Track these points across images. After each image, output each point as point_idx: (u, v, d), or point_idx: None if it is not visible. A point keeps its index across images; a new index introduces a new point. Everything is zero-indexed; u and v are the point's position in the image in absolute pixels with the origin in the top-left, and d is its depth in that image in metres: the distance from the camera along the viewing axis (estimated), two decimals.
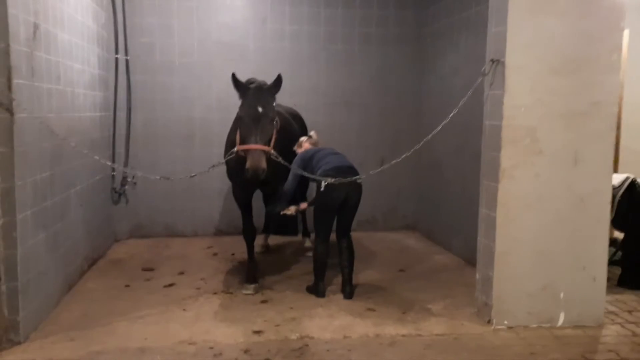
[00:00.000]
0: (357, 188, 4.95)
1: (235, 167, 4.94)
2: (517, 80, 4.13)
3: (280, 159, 4.62)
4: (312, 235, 6.68)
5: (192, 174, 4.90)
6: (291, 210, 5.23)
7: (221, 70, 7.13)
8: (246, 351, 3.90)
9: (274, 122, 4.70)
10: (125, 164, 6.90)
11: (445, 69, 6.73)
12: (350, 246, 5.08)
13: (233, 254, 6.41)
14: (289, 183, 5.09)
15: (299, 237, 6.87)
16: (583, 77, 4.19)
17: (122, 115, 6.90)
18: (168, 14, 7.01)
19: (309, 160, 5.11)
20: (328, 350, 3.92)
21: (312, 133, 5.59)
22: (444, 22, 6.75)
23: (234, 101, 6.98)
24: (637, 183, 5.35)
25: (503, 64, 4.12)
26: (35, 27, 4.18)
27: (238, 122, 4.78)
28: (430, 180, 7.25)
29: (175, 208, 7.27)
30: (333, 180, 4.71)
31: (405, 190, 7.74)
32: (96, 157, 4.91)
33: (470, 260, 6.03)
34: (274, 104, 4.77)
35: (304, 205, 5.31)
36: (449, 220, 6.70)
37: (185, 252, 6.52)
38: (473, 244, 5.92)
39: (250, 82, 4.82)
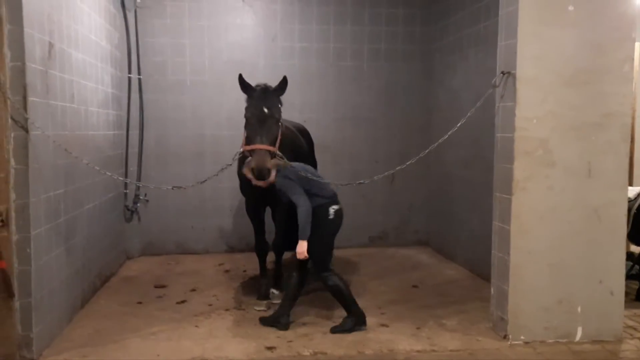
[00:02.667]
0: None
1: (248, 180, 4.97)
2: (528, 92, 4.12)
3: (284, 159, 4.62)
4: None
5: (203, 180, 4.89)
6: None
7: (232, 88, 7.10)
8: None
9: (280, 124, 4.74)
10: (137, 181, 6.94)
11: (455, 84, 6.74)
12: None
13: (245, 271, 6.40)
14: (304, 203, 4.46)
15: None
16: (595, 88, 4.17)
17: (134, 133, 6.97)
18: (180, 33, 7.09)
19: (300, 180, 4.62)
20: None
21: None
22: (453, 37, 6.78)
23: (244, 119, 7.11)
24: None
25: (514, 76, 4.12)
26: (50, 46, 4.25)
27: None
28: (442, 195, 7.22)
29: (187, 225, 7.28)
30: (338, 206, 4.59)
31: (417, 206, 7.71)
32: (109, 174, 4.93)
33: (483, 275, 5.97)
34: (280, 106, 4.81)
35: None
36: (461, 235, 6.65)
37: (196, 268, 6.52)
38: (485, 259, 5.88)
39: (257, 85, 4.86)
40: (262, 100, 4.67)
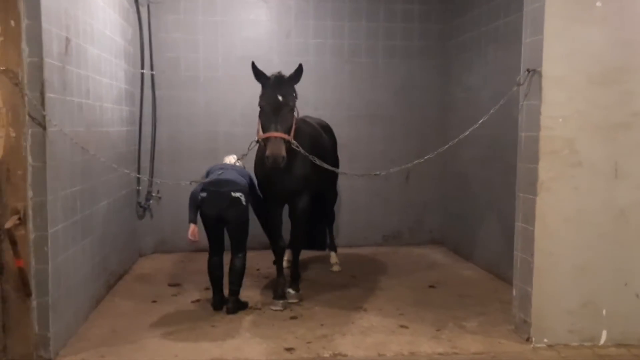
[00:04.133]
0: (232, 203, 4.76)
1: (264, 177, 4.97)
2: (554, 91, 4.03)
3: (300, 149, 4.60)
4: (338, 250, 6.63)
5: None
6: None
7: (245, 85, 7.05)
8: None
9: (294, 112, 4.71)
10: (150, 178, 6.89)
11: (472, 81, 6.64)
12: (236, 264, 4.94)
13: (258, 269, 6.33)
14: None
15: (327, 252, 6.74)
16: (623, 87, 4.08)
17: (147, 129, 6.91)
18: (193, 29, 7.03)
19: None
20: None
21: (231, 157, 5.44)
22: (471, 34, 6.67)
23: (257, 115, 7.04)
24: None
25: (540, 73, 4.03)
26: (67, 41, 4.19)
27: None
28: (457, 194, 7.13)
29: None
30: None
31: (431, 205, 7.63)
32: (127, 171, 4.89)
33: (500, 275, 5.90)
34: (294, 94, 4.79)
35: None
36: (477, 234, 6.56)
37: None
38: (502, 259, 5.82)
39: (272, 73, 4.82)
40: (276, 89, 4.65)
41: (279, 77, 4.73)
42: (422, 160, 4.71)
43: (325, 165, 4.74)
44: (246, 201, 4.81)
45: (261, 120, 4.65)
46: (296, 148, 4.59)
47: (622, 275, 4.19)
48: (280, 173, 4.73)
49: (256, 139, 4.68)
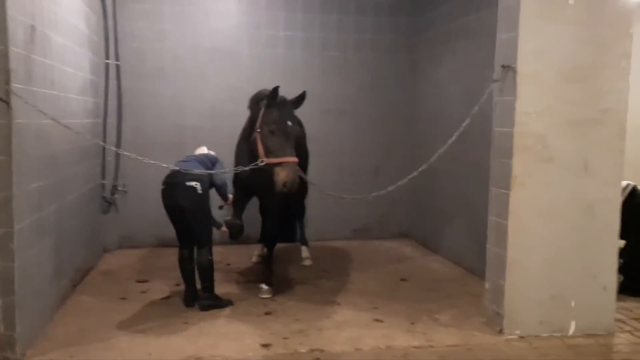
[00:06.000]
0: (187, 192, 4.71)
1: (248, 178, 4.99)
2: (528, 87, 4.09)
3: (304, 176, 4.78)
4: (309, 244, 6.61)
5: (236, 168, 4.92)
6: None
7: (214, 77, 7.01)
8: None
9: None
10: (116, 172, 6.70)
11: (442, 76, 6.70)
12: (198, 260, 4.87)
13: (229, 264, 6.24)
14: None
15: (297, 245, 6.69)
16: (593, 84, 4.18)
17: (112, 121, 6.70)
18: (159, 18, 6.84)
19: None
20: None
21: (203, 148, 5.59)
22: (440, 29, 6.72)
23: (227, 108, 6.94)
24: (638, 190, 5.37)
25: (514, 70, 4.08)
26: (32, 29, 4.00)
27: (255, 133, 4.72)
28: (425, 188, 7.19)
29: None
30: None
31: (400, 198, 7.65)
32: (115, 149, 4.69)
33: (469, 269, 6.00)
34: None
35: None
36: (445, 228, 6.65)
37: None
38: (470, 252, 5.92)
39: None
40: (287, 114, 4.72)
41: (287, 103, 4.81)
42: (416, 173, 4.96)
43: (329, 193, 4.99)
44: (203, 189, 4.72)
45: (269, 143, 4.59)
46: (302, 175, 4.74)
47: (590, 268, 4.32)
48: (259, 174, 4.71)
49: (264, 160, 4.58)
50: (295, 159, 4.54)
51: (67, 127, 4.15)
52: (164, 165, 4.60)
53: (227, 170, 5.09)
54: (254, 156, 4.68)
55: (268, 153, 4.56)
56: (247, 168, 4.62)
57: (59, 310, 4.66)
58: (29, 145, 3.90)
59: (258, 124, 4.70)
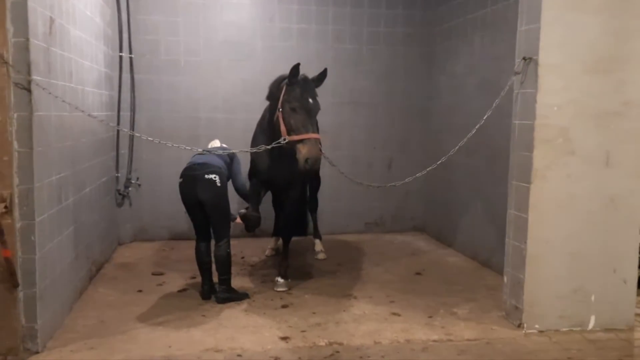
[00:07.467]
0: (206, 185, 4.71)
1: (264, 163, 5.00)
2: (550, 79, 4.05)
3: (326, 156, 4.71)
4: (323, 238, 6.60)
5: (257, 148, 4.85)
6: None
7: (227, 69, 6.99)
8: (276, 358, 3.75)
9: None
10: (129, 165, 6.71)
11: (458, 69, 6.65)
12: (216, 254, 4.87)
13: (243, 257, 6.24)
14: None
15: (309, 238, 6.69)
16: (616, 76, 4.12)
17: (126, 115, 6.70)
18: (173, 11, 6.82)
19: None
20: (361, 358, 3.79)
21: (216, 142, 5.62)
22: (456, 21, 6.67)
23: (240, 100, 6.93)
24: None
25: (536, 62, 4.04)
26: (52, 21, 4.00)
27: (277, 113, 4.71)
28: (439, 181, 7.16)
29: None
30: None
31: (413, 192, 7.63)
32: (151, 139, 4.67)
33: (484, 262, 5.97)
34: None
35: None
36: (459, 222, 6.62)
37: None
38: (486, 245, 5.89)
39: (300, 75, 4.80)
40: (309, 91, 4.70)
41: (309, 80, 4.78)
42: (435, 165, 4.90)
43: (345, 175, 4.92)
44: (221, 182, 4.73)
45: (291, 121, 4.57)
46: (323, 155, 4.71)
47: (611, 261, 4.28)
48: (279, 166, 4.69)
49: (285, 138, 4.56)
50: (317, 136, 4.52)
51: (93, 116, 4.14)
52: (187, 147, 4.67)
53: (248, 150, 5.05)
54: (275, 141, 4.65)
55: (290, 131, 4.55)
56: (269, 147, 4.61)
57: (77, 303, 4.68)
58: (49, 138, 3.90)
59: (280, 103, 4.69)
